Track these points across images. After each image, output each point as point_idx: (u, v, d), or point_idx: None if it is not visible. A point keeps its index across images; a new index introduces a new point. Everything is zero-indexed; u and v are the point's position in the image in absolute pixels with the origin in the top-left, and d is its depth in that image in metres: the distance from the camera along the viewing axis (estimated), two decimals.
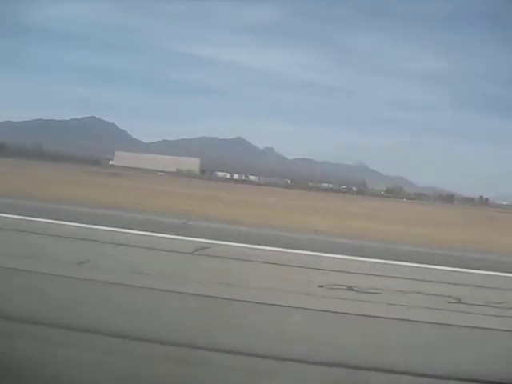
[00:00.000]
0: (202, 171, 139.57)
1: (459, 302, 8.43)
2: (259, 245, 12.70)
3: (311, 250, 12.75)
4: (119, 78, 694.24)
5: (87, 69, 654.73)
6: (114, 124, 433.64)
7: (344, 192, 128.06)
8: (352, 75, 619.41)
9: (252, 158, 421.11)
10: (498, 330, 7.08)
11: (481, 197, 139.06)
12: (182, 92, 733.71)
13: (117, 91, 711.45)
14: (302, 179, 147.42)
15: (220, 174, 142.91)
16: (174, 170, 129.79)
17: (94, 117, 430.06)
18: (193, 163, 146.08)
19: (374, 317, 7.27)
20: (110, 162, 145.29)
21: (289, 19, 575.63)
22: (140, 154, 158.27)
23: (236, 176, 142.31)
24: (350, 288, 8.84)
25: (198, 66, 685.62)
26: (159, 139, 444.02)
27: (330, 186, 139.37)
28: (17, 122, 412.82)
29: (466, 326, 6.98)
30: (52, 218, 13.75)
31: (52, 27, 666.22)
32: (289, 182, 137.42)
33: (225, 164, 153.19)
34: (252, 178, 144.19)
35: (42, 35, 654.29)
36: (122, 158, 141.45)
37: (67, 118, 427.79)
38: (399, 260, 12.44)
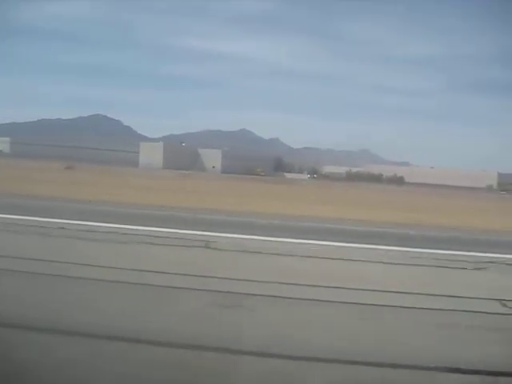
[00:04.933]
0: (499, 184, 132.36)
1: None
2: None
3: None
4: (115, 75, 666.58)
5: (82, 67, 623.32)
6: (119, 121, 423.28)
7: None
8: (349, 63, 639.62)
9: (259, 149, 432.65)
10: None
11: None
12: (178, 85, 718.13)
13: (115, 88, 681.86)
14: None
15: None
16: (483, 186, 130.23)
17: (99, 114, 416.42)
18: (490, 176, 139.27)
19: None
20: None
21: (279, 8, 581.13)
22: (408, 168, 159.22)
23: None
24: None
25: (192, 59, 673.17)
26: (164, 134, 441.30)
27: None
28: (23, 123, 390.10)
29: None
30: None
31: (43, 26, 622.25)
32: None
33: None
34: None
35: (32, 34, 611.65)
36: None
37: (73, 117, 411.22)
38: None
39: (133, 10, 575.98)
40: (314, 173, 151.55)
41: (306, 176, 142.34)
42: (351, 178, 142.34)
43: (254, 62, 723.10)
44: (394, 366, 4.82)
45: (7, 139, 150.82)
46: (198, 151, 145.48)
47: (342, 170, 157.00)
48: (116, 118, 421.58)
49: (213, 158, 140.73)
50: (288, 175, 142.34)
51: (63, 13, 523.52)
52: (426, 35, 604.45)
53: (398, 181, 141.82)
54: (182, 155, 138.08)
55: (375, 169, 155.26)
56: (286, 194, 49.79)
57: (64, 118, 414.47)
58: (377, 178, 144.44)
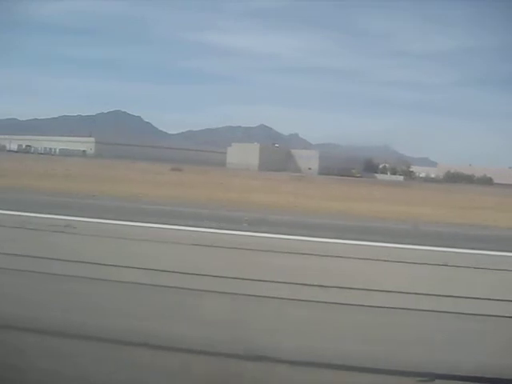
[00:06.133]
0: None
1: None
2: None
3: None
4: (133, 70, 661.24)
5: (100, 63, 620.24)
6: (139, 117, 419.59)
7: None
8: (363, 58, 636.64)
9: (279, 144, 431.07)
10: None
11: None
12: (196, 80, 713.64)
13: (133, 83, 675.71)
14: None
15: None
16: None
17: (119, 110, 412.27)
18: None
19: None
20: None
21: (296, 3, 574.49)
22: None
23: None
24: None
25: (210, 54, 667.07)
26: (183, 130, 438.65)
27: None
28: (44, 120, 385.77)
29: None
30: None
31: (59, 21, 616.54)
32: None
33: None
34: None
35: (50, 30, 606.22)
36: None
37: (93, 113, 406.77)
38: None
39: (150, 6, 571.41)
40: (404, 174, 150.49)
41: (400, 177, 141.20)
42: (444, 179, 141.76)
43: (270, 57, 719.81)
44: None
45: (92, 139, 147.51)
46: (292, 152, 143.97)
47: (425, 169, 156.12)
48: (136, 114, 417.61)
49: (307, 158, 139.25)
50: (378, 176, 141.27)
51: (84, 9, 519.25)
52: (442, 29, 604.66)
53: (488, 181, 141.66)
54: (276, 156, 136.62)
55: (462, 169, 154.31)
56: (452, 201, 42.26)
57: (84, 114, 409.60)
58: (469, 179, 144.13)
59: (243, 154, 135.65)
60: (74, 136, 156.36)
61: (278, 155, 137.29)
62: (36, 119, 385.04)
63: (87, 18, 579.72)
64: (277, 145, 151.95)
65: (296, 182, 66.57)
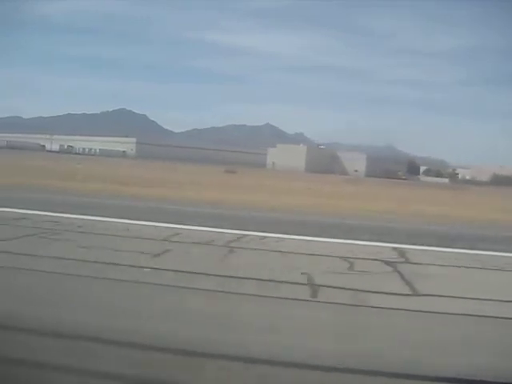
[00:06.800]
0: None
1: None
2: None
3: None
4: (135, 69, 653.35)
5: (102, 62, 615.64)
6: (144, 115, 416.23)
7: None
8: (366, 57, 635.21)
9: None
10: None
11: None
12: (201, 80, 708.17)
13: (137, 81, 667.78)
14: None
15: None
16: None
17: (124, 109, 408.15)
18: None
19: None
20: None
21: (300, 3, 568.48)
22: None
23: None
24: None
25: (215, 54, 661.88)
26: (188, 129, 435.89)
27: None
28: (47, 117, 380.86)
29: None
30: None
31: (63, 21, 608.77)
32: None
33: None
34: None
35: (53, 29, 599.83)
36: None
37: (98, 112, 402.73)
38: None
39: (152, 5, 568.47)
40: (449, 176, 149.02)
41: (445, 180, 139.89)
42: (490, 181, 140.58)
43: (274, 56, 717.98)
44: None
45: (133, 140, 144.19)
46: (337, 154, 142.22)
47: (467, 171, 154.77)
48: (141, 113, 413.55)
49: (354, 160, 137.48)
50: (423, 178, 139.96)
51: (87, 8, 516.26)
52: (448, 28, 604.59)
53: None
54: (321, 158, 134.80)
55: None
56: None
57: (88, 112, 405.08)
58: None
59: (287, 156, 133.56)
60: (113, 136, 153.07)
61: (324, 157, 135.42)
62: (41, 117, 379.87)
63: (90, 17, 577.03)
64: (322, 146, 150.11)
65: (371, 185, 63.26)
